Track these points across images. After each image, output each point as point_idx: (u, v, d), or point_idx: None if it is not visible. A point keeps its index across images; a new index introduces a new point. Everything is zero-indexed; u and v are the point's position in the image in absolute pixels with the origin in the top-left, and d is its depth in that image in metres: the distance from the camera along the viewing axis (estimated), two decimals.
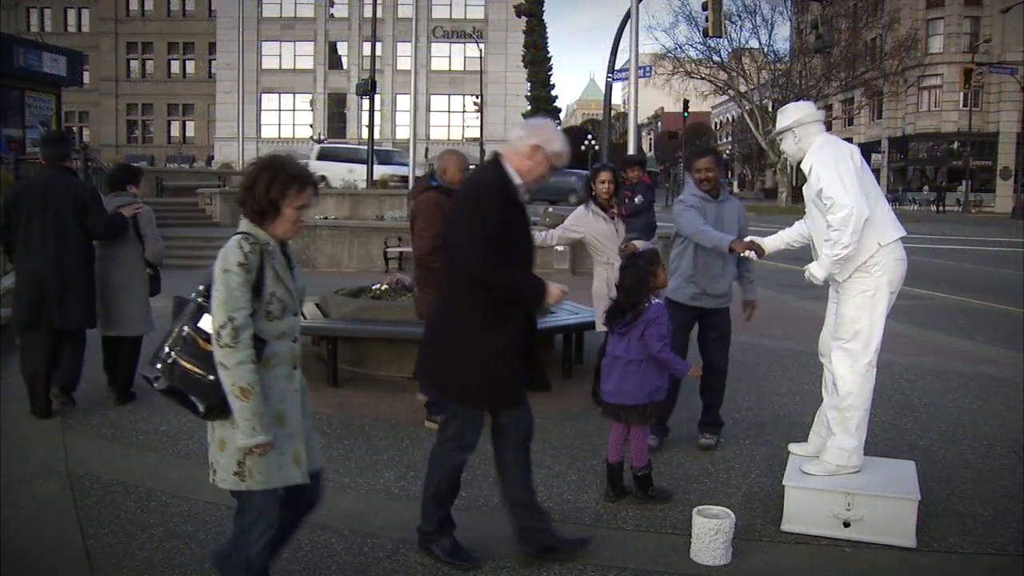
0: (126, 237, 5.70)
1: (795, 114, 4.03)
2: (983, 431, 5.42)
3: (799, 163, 4.01)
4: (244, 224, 2.77)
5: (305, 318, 6.73)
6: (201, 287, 2.80)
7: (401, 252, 14.46)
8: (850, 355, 3.87)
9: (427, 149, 51.65)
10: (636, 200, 7.59)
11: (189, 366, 2.74)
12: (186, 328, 2.76)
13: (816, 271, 3.89)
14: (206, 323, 2.72)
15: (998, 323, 9.83)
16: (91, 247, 5.60)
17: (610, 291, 5.63)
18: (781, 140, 4.05)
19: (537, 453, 4.88)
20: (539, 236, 5.70)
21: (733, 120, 67.23)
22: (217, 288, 2.66)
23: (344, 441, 5.08)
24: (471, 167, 5.28)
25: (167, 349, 2.77)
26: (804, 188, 4.05)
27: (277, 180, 2.74)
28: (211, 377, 2.70)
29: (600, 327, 5.64)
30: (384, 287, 7.13)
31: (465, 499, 4.21)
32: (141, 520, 3.91)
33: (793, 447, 4.23)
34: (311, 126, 54.02)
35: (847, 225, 3.65)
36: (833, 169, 3.76)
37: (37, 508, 4.06)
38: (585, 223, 5.71)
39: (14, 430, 5.20)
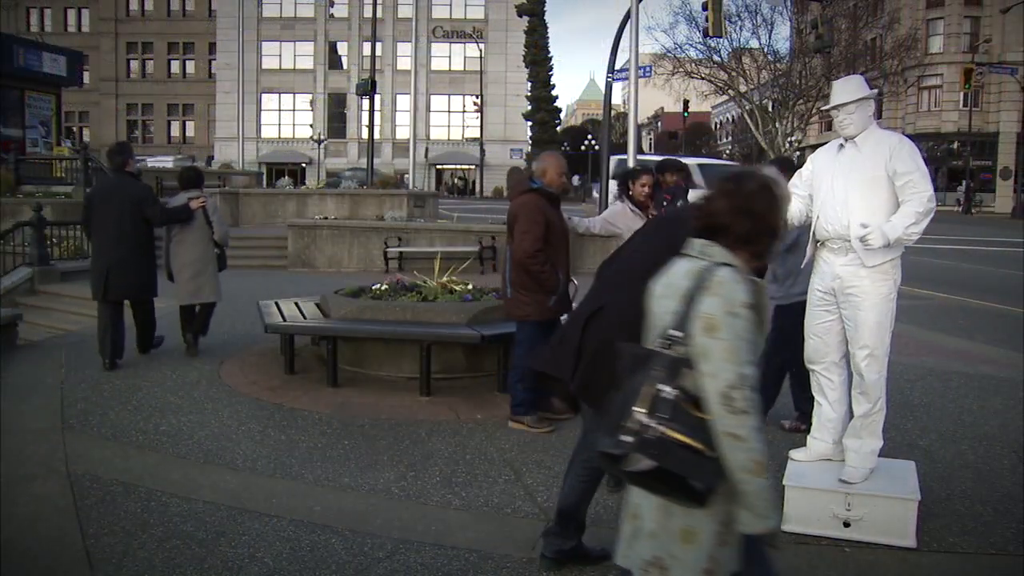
0: (196, 224, 7.13)
1: (867, 87, 4.04)
2: (983, 431, 5.42)
3: (854, 136, 3.97)
4: (719, 253, 2.18)
5: (305, 317, 6.75)
6: (671, 332, 2.14)
7: (401, 252, 14.46)
8: (877, 361, 3.90)
9: (427, 149, 51.78)
10: (678, 204, 7.80)
11: (683, 439, 2.06)
12: (667, 388, 2.09)
13: (879, 239, 3.76)
14: (686, 381, 2.10)
15: (998, 323, 9.82)
16: (146, 236, 6.93)
17: None
18: (857, 107, 3.95)
19: (537, 453, 4.89)
20: (583, 223, 5.74)
21: (733, 120, 67.20)
22: (720, 336, 2.06)
23: (344, 441, 5.08)
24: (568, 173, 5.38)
25: (641, 417, 2.07)
26: (851, 165, 3.96)
27: (777, 203, 2.20)
28: (711, 452, 2.06)
29: None
30: (384, 287, 7.13)
31: (465, 499, 4.22)
32: (141, 520, 3.90)
33: (794, 453, 4.22)
34: (311, 126, 54.06)
35: (929, 217, 3.78)
36: (920, 163, 3.88)
37: (37, 508, 4.06)
38: (624, 220, 5.81)
39: (14, 430, 5.21)
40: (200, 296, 7.25)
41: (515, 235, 5.16)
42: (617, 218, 5.86)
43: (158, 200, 6.98)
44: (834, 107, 4.00)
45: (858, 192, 3.90)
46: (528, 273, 5.10)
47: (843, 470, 3.90)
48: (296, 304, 7.35)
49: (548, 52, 54.11)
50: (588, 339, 2.91)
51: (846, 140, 4.01)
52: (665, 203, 7.89)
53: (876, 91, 4.05)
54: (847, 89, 4.02)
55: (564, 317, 5.48)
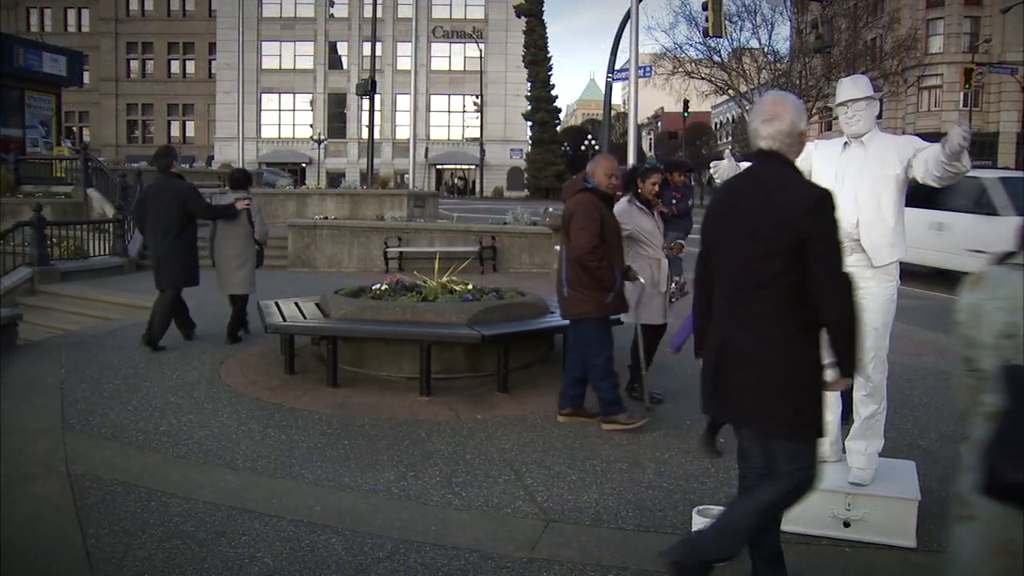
0: (240, 222, 7.84)
1: (870, 87, 4.01)
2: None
3: (861, 135, 3.94)
4: None
5: (305, 317, 6.75)
6: None
7: (401, 252, 14.46)
8: (883, 362, 3.91)
9: (427, 149, 51.79)
10: (689, 203, 8.02)
11: None
12: None
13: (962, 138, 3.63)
14: None
15: None
16: (190, 230, 7.65)
17: (658, 286, 5.78)
18: (867, 105, 3.93)
19: (537, 453, 4.89)
20: None
21: (733, 120, 67.17)
22: None
23: (344, 441, 5.08)
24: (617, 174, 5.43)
25: None
26: (860, 164, 3.92)
27: None
28: None
29: (637, 320, 5.75)
30: (384, 287, 7.13)
31: (465, 499, 4.22)
32: (141, 520, 3.90)
33: None
34: (311, 126, 54.05)
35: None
36: None
37: (37, 508, 4.06)
38: (631, 218, 5.87)
39: (14, 430, 5.21)
40: (232, 287, 7.90)
41: (571, 233, 5.17)
42: (624, 217, 5.89)
43: (201, 196, 7.81)
44: (844, 103, 3.96)
45: (867, 191, 3.88)
46: (586, 270, 5.13)
47: (852, 472, 3.86)
48: (296, 304, 7.35)
49: (547, 52, 54.11)
50: (721, 375, 2.93)
51: (851, 138, 3.99)
52: (675, 201, 8.00)
53: (881, 93, 4.05)
54: (859, 85, 3.99)
55: (623, 316, 5.56)
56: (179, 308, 7.81)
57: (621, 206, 5.94)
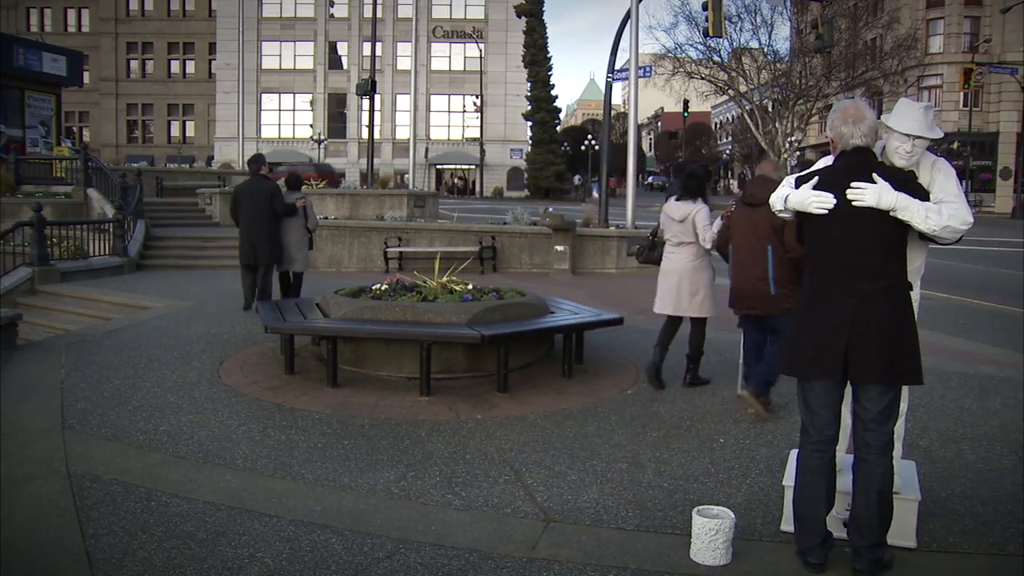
0: (298, 216, 9.62)
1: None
2: (983, 431, 5.41)
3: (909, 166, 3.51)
4: None
5: (305, 317, 6.75)
6: None
7: (401, 252, 14.46)
8: None
9: (427, 149, 51.80)
10: None
11: None
12: None
13: (881, 193, 3.27)
14: None
15: (998, 323, 9.82)
16: (276, 221, 9.45)
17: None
18: (927, 144, 3.49)
19: (537, 453, 4.89)
20: (712, 241, 6.08)
21: (733, 120, 67.18)
22: None
23: (344, 441, 5.08)
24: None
25: None
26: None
27: None
28: None
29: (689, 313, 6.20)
30: (384, 287, 7.13)
31: (465, 499, 4.22)
32: (141, 520, 3.90)
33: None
34: (311, 126, 54.04)
35: (964, 229, 3.34)
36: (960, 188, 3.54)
37: (37, 508, 4.06)
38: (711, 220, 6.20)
39: (14, 430, 5.21)
40: (295, 267, 9.69)
41: (789, 236, 5.27)
42: (709, 219, 6.18)
43: (283, 196, 9.51)
44: (909, 136, 3.43)
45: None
46: (796, 268, 5.28)
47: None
48: (296, 304, 7.34)
49: (547, 52, 54.08)
50: (856, 340, 3.29)
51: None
52: None
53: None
54: (931, 120, 3.47)
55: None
56: (255, 282, 9.47)
57: (707, 210, 6.19)
